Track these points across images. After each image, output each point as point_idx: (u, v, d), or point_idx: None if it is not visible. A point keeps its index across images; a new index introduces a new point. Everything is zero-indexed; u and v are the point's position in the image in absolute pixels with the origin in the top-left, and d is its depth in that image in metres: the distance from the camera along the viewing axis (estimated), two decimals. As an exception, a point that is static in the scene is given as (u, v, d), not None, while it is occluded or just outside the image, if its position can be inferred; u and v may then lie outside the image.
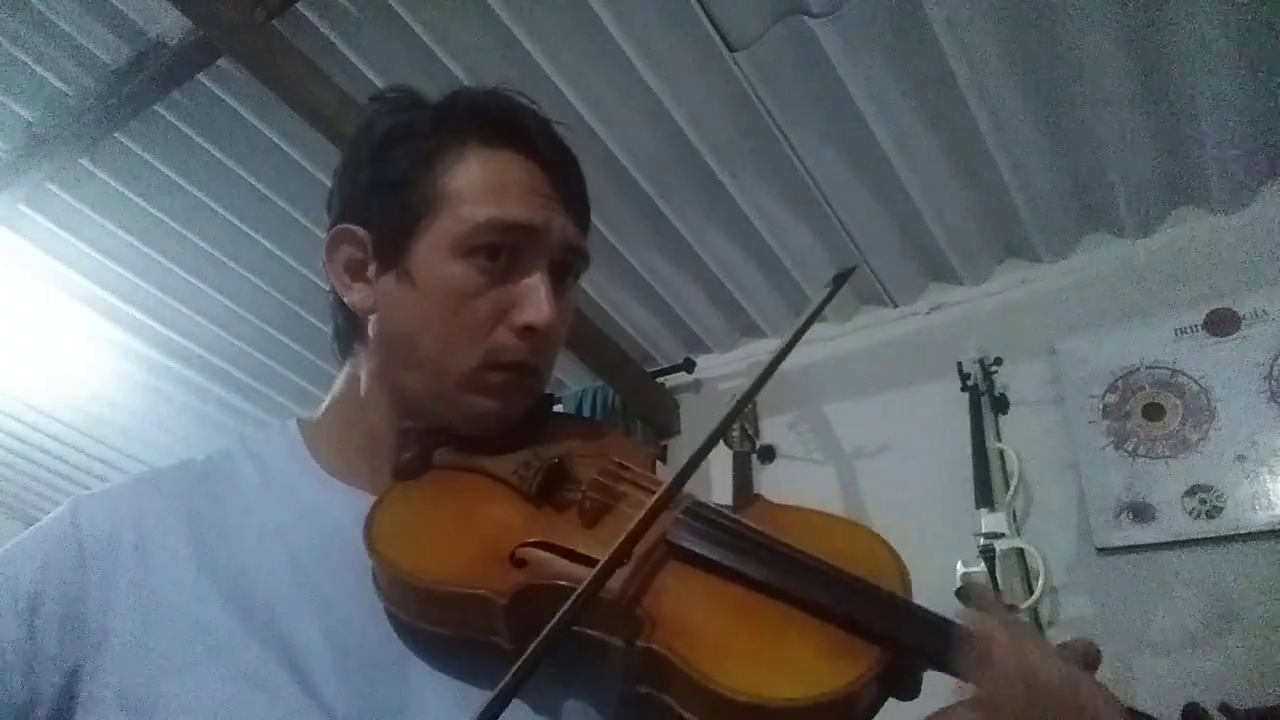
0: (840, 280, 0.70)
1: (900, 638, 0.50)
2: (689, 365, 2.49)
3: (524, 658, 0.48)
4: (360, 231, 0.67)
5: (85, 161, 2.13)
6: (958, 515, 1.89)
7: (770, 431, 2.34)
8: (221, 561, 0.59)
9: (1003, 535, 1.82)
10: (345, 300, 0.68)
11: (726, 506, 0.62)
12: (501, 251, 0.64)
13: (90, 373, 2.92)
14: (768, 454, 2.32)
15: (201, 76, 1.90)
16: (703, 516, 0.58)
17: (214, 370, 2.87)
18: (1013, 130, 1.74)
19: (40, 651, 0.54)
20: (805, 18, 1.58)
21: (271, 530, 0.62)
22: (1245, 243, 1.83)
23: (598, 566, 0.52)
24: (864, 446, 2.19)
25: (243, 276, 2.45)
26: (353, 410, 0.70)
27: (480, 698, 0.52)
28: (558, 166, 0.68)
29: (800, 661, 0.50)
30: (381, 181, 0.67)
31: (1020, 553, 1.82)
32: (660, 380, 2.57)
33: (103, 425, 3.24)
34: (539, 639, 0.49)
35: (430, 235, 0.64)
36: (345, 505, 0.64)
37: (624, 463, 0.66)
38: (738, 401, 0.67)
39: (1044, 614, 1.78)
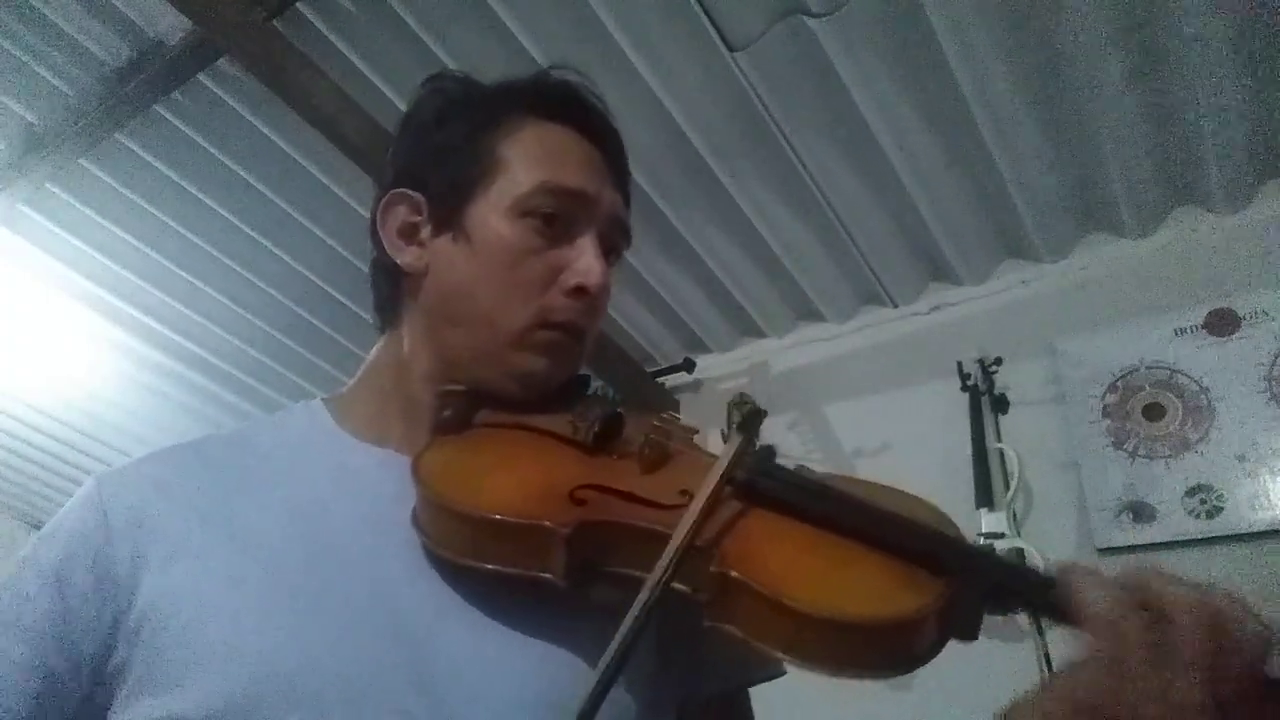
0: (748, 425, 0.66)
1: (965, 572, 0.51)
2: (689, 365, 2.49)
3: (634, 612, 0.47)
4: (415, 195, 0.69)
5: (85, 161, 2.12)
6: (958, 515, 1.83)
7: (770, 431, 2.32)
8: (251, 527, 0.59)
9: (1003, 535, 1.82)
10: (399, 261, 0.68)
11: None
12: (556, 218, 0.66)
13: (90, 373, 2.92)
14: (768, 454, 2.32)
15: (201, 76, 1.90)
16: (767, 464, 0.60)
17: (214, 370, 2.87)
18: (1013, 130, 1.74)
19: (74, 618, 0.55)
20: (805, 18, 1.58)
21: (300, 493, 0.62)
22: (1245, 243, 1.83)
23: (692, 506, 0.52)
24: (864, 446, 2.18)
25: (243, 276, 2.45)
26: (391, 375, 0.70)
27: (516, 641, 0.55)
28: (609, 145, 0.72)
29: (872, 587, 0.51)
30: (438, 148, 0.69)
31: (1020, 553, 1.82)
32: (660, 380, 2.57)
33: (103, 425, 3.24)
34: (644, 592, 0.48)
35: (488, 196, 0.66)
36: (376, 464, 0.65)
37: (673, 415, 0.67)
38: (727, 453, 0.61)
39: (1044, 614, 1.77)
